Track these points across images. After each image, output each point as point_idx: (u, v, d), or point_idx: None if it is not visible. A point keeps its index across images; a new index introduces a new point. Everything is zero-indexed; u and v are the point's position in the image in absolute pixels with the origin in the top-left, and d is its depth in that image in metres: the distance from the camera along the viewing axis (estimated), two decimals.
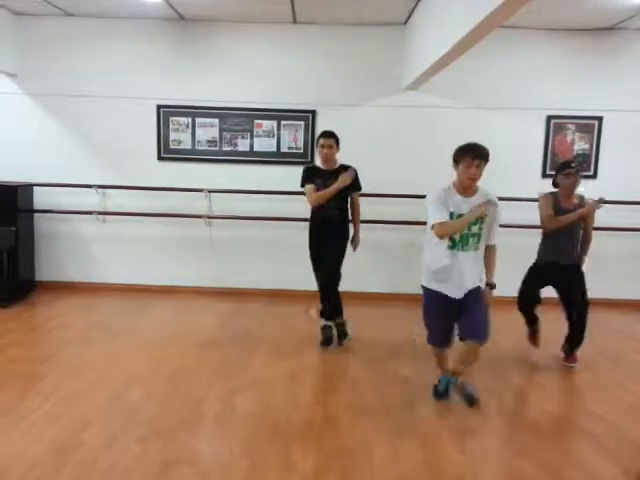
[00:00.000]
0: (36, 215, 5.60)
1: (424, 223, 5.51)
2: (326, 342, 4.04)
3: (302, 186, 4.02)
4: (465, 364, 3.07)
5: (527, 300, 3.87)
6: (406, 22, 5.34)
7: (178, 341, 4.11)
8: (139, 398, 3.07)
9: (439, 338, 3.10)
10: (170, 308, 5.14)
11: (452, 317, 3.01)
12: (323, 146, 3.94)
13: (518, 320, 3.95)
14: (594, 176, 5.56)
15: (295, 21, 5.42)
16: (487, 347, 4.05)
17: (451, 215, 2.87)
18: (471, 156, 2.80)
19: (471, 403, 3.04)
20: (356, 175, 4.04)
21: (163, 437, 2.63)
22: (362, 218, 5.48)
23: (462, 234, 2.89)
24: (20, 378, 3.33)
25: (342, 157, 5.56)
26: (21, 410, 2.88)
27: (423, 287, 3.08)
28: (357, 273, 5.68)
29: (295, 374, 3.57)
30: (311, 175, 4.01)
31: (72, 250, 5.75)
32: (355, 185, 4.05)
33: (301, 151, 5.61)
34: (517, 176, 5.54)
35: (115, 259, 5.77)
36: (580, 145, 5.54)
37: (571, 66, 5.46)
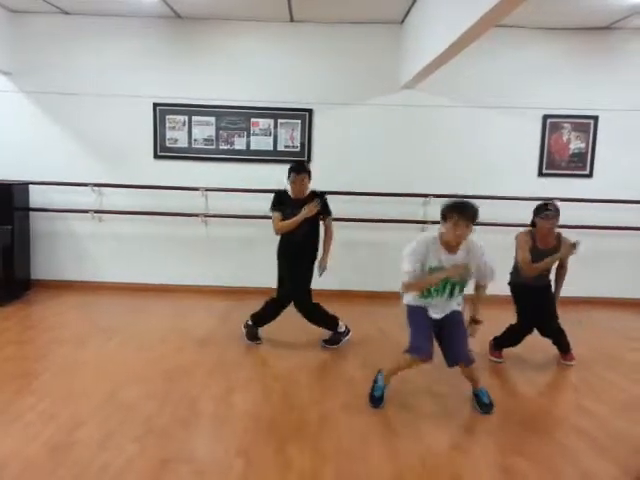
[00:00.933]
0: (32, 214, 5.58)
1: (421, 222, 5.57)
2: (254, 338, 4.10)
3: (270, 210, 3.98)
4: (474, 381, 3.07)
5: (528, 327, 3.83)
6: (403, 21, 5.34)
7: (174, 340, 4.11)
8: (135, 397, 3.06)
9: (424, 341, 2.94)
10: (166, 307, 5.13)
11: (432, 327, 3.01)
12: (295, 182, 3.88)
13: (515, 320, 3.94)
14: (590, 175, 5.58)
15: (292, 19, 5.41)
16: (484, 346, 4.08)
17: (434, 271, 2.86)
18: (460, 217, 2.75)
19: (487, 411, 3.00)
20: (325, 202, 4.01)
21: (159, 436, 2.63)
22: (359, 217, 5.52)
23: (442, 286, 2.92)
24: (15, 377, 3.32)
25: (339, 156, 5.59)
26: (16, 409, 2.87)
27: (406, 305, 3.09)
28: (357, 272, 5.71)
29: (292, 373, 3.57)
30: (281, 202, 3.97)
31: (68, 249, 5.73)
32: (325, 211, 4.02)
33: (298, 150, 5.61)
34: (513, 175, 5.55)
35: (111, 258, 5.75)
36: (576, 144, 5.55)
37: (567, 65, 5.47)
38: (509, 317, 3.86)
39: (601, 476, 2.40)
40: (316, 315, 4.08)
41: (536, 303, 3.76)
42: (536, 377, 3.63)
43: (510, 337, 3.87)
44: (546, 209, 3.63)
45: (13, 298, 5.12)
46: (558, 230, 3.71)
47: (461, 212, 2.75)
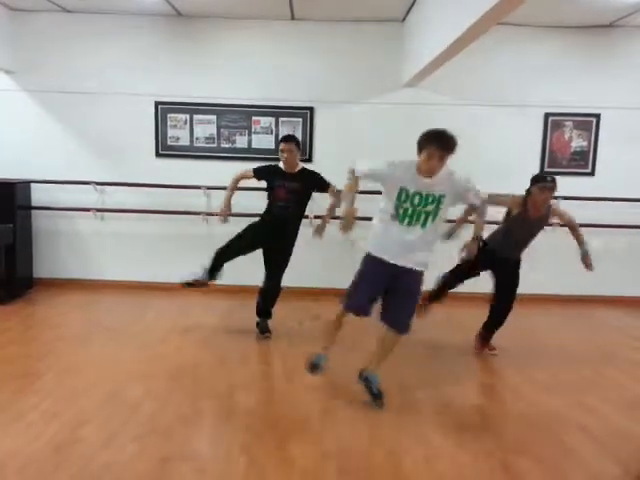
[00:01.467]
0: (34, 212, 5.59)
1: None
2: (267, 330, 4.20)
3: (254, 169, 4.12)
4: (379, 358, 3.02)
5: (460, 274, 3.89)
6: (404, 19, 5.33)
7: (177, 338, 4.11)
8: (137, 395, 3.07)
9: (358, 301, 2.95)
10: (169, 305, 5.14)
11: (381, 287, 2.92)
12: (283, 150, 3.97)
13: (518, 315, 3.93)
14: (592, 173, 5.57)
15: (293, 17, 5.40)
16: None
17: (405, 191, 2.81)
18: (435, 147, 2.67)
19: (378, 401, 2.96)
20: (320, 178, 4.11)
21: (161, 434, 2.63)
22: (361, 215, 5.51)
23: (414, 210, 2.80)
24: (18, 376, 3.33)
25: (340, 154, 5.57)
26: (19, 408, 2.88)
27: (366, 254, 3.00)
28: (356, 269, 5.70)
29: (294, 370, 3.57)
30: (269, 173, 4.10)
31: (70, 247, 5.74)
32: (320, 186, 4.09)
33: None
34: (515, 173, 5.52)
35: (113, 256, 5.76)
36: (578, 142, 5.54)
37: (569, 63, 5.46)
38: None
39: (604, 475, 2.40)
40: (277, 295, 4.20)
41: (500, 274, 3.80)
42: (538, 375, 3.63)
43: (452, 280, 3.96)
44: (545, 180, 3.62)
45: (15, 297, 5.13)
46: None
47: (436, 143, 2.67)
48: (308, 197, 4.13)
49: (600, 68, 5.45)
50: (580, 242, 3.79)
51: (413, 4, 4.89)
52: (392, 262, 2.86)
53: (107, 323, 4.49)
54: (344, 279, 5.75)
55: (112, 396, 3.06)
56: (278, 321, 4.35)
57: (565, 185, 5.51)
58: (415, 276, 2.90)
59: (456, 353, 3.91)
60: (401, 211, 2.83)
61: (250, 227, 4.15)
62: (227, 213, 4.19)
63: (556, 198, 3.71)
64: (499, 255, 3.76)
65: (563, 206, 3.81)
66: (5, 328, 4.26)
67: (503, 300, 3.81)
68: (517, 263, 3.83)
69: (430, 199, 2.79)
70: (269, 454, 2.49)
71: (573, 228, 3.79)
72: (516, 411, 3.12)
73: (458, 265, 3.85)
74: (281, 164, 4.09)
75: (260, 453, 2.50)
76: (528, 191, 3.71)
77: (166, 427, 2.71)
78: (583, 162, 5.56)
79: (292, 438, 2.63)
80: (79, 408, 2.89)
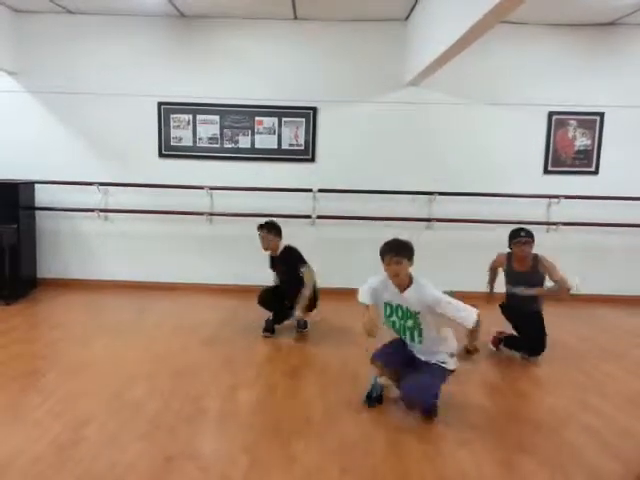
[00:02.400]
0: (38, 213, 5.61)
1: (426, 219, 5.57)
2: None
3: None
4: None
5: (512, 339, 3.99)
6: (407, 18, 5.32)
7: (181, 338, 4.12)
8: (141, 395, 3.08)
9: (385, 353, 3.07)
10: (172, 305, 5.15)
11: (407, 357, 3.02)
12: (259, 236, 4.19)
13: None
14: (596, 172, 5.55)
15: (296, 17, 5.41)
16: (487, 344, 4.07)
17: (389, 305, 2.95)
18: (389, 255, 2.82)
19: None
20: (295, 256, 4.19)
21: (165, 433, 2.64)
22: (365, 215, 5.52)
23: (400, 324, 2.94)
24: (22, 375, 3.34)
25: (344, 154, 5.58)
26: (23, 407, 2.89)
27: None
28: (362, 270, 5.69)
29: (297, 370, 3.58)
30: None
31: (74, 247, 5.76)
32: (295, 266, 4.15)
33: (302, 148, 5.61)
34: (519, 172, 5.53)
35: (117, 256, 5.78)
36: (582, 141, 5.53)
37: (573, 62, 5.44)
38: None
39: (606, 473, 2.40)
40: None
41: (523, 324, 3.90)
42: (540, 373, 3.63)
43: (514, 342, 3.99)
44: (519, 235, 3.78)
45: (19, 296, 5.15)
46: (535, 253, 3.82)
47: (389, 251, 2.83)
48: (297, 271, 4.15)
49: (604, 66, 5.44)
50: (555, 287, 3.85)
51: (416, 3, 4.89)
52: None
53: (111, 323, 4.50)
54: (346, 278, 5.77)
55: (116, 395, 3.07)
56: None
57: (569, 184, 5.55)
58: (433, 365, 2.92)
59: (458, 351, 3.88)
60: (391, 325, 3.01)
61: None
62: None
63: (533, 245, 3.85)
64: (516, 305, 3.90)
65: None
66: (9, 328, 4.28)
67: (533, 343, 3.85)
68: (533, 314, 3.87)
69: (408, 314, 2.88)
70: (272, 453, 2.49)
71: (556, 280, 3.80)
72: (519, 409, 3.11)
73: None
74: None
75: (263, 452, 2.50)
76: (509, 248, 3.89)
77: (170, 426, 2.71)
78: (587, 161, 5.54)
79: (295, 437, 2.64)
80: (83, 407, 2.90)
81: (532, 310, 3.85)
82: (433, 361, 2.91)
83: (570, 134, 5.52)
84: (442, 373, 2.89)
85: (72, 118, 5.60)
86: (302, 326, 4.34)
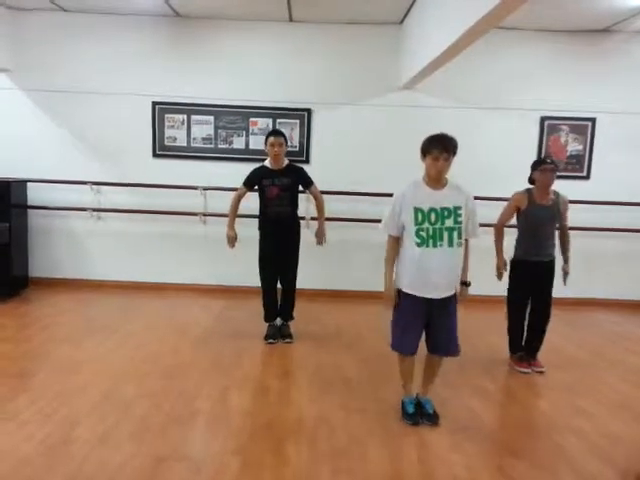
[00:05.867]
0: (30, 211, 5.58)
1: None
2: (273, 336, 4.18)
3: (242, 183, 4.15)
4: (431, 381, 2.99)
5: (520, 306, 3.79)
6: (402, 22, 5.34)
7: (172, 338, 4.11)
8: (132, 395, 3.06)
9: (411, 343, 2.84)
10: (164, 305, 5.13)
11: (423, 322, 2.85)
12: (273, 145, 3.97)
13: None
14: (587, 177, 5.59)
15: (291, 19, 5.41)
16: (480, 348, 4.09)
17: (420, 210, 2.74)
18: (439, 149, 2.69)
19: (434, 421, 2.88)
20: (304, 174, 4.17)
21: (155, 434, 2.63)
22: (360, 217, 5.53)
23: (434, 229, 2.74)
24: (12, 375, 3.32)
25: (338, 156, 5.59)
26: (13, 407, 2.87)
27: (399, 290, 2.88)
28: (356, 271, 5.71)
29: (289, 372, 3.58)
30: (256, 176, 4.10)
31: (66, 247, 5.73)
32: (306, 182, 4.16)
33: (297, 149, 5.61)
34: (511, 176, 5.53)
35: (110, 256, 5.75)
36: (574, 146, 5.57)
37: (565, 67, 5.49)
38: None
39: (596, 477, 2.41)
40: (293, 294, 4.26)
41: (534, 279, 3.68)
42: (533, 379, 3.64)
43: (513, 335, 3.84)
44: (544, 162, 3.63)
45: (10, 295, 5.11)
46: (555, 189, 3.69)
47: (441, 144, 2.70)
48: (297, 192, 4.17)
49: (596, 72, 5.48)
50: (566, 249, 3.79)
51: (411, 7, 4.91)
52: (425, 297, 2.78)
53: (102, 323, 4.48)
54: (339, 280, 5.78)
55: (106, 396, 3.05)
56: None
57: (561, 189, 5.55)
58: (449, 300, 2.84)
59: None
60: (423, 234, 2.75)
61: (260, 243, 4.20)
62: (234, 239, 4.19)
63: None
64: (530, 260, 3.68)
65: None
66: (0, 327, 4.25)
67: (540, 309, 3.73)
68: (551, 266, 3.71)
69: (446, 213, 2.74)
70: (263, 455, 2.49)
71: (564, 234, 3.78)
72: (511, 414, 3.13)
73: (509, 306, 3.83)
74: (267, 162, 4.10)
75: (254, 454, 2.50)
76: (530, 179, 3.73)
77: (160, 427, 2.70)
78: (579, 166, 5.58)
79: (286, 439, 2.64)
80: (73, 408, 2.89)
81: (548, 259, 3.68)
82: (452, 288, 2.82)
83: (562, 139, 5.56)
84: (455, 312, 2.86)
85: (66, 117, 5.57)
86: (287, 336, 4.19)
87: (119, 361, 3.61)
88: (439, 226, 2.74)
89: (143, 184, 5.54)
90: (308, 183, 4.18)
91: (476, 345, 4.16)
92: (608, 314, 5.38)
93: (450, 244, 2.75)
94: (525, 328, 3.81)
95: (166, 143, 5.61)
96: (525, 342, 3.82)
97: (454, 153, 2.74)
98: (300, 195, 4.25)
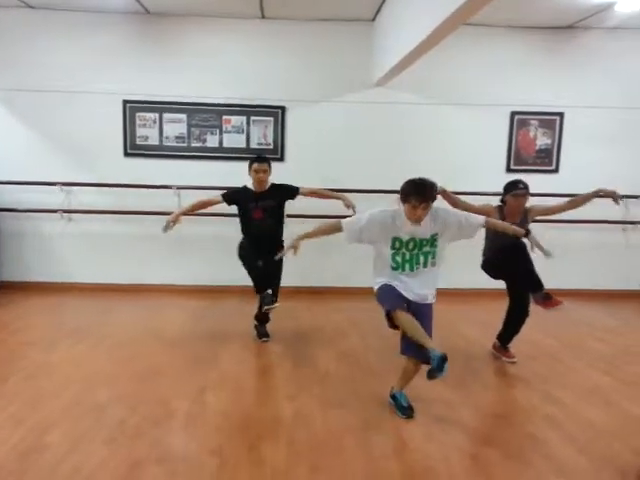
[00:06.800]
0: None
1: None
2: (266, 336, 4.14)
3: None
4: (408, 382, 2.98)
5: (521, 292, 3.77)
6: (374, 19, 5.37)
7: (147, 340, 4.06)
8: (106, 399, 3.02)
9: (398, 300, 2.83)
10: (139, 307, 5.07)
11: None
12: (257, 171, 3.96)
13: (485, 310, 4.01)
14: (556, 170, 5.72)
15: (263, 16, 5.39)
16: (455, 340, 4.15)
17: (398, 239, 2.81)
18: (417, 199, 2.69)
19: (409, 414, 2.89)
20: (287, 186, 4.14)
21: (131, 437, 2.60)
22: (335, 214, 5.45)
23: (411, 254, 2.83)
24: None
25: (312, 153, 5.59)
26: None
27: (377, 288, 2.95)
28: (331, 269, 5.73)
29: (266, 370, 3.58)
30: (240, 197, 4.03)
31: (37, 249, 5.61)
32: (292, 194, 4.14)
33: (271, 147, 5.60)
34: (483, 170, 5.64)
35: (81, 258, 5.65)
36: (542, 140, 5.69)
37: (534, 63, 5.59)
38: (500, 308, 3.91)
39: (568, 463, 2.47)
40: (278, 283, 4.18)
41: (509, 262, 3.66)
42: (506, 368, 3.71)
43: (509, 321, 3.83)
44: (517, 187, 3.64)
45: None
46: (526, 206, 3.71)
47: (417, 194, 2.69)
48: (282, 209, 4.15)
49: (563, 68, 5.61)
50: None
51: (382, 4, 4.93)
52: (404, 295, 2.87)
53: (74, 326, 4.40)
54: (317, 277, 5.80)
55: (80, 400, 3.00)
56: (249, 321, 4.33)
57: (530, 182, 5.62)
58: (427, 307, 2.90)
59: None
60: (399, 258, 2.85)
61: (244, 253, 4.07)
62: (172, 225, 4.00)
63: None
64: (500, 257, 3.69)
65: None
66: None
67: (517, 297, 3.76)
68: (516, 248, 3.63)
69: (425, 242, 2.83)
70: (241, 454, 2.48)
71: (553, 210, 3.86)
72: (485, 404, 3.19)
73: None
74: (250, 185, 4.07)
75: (231, 454, 2.49)
76: (502, 200, 3.74)
77: (136, 430, 2.67)
78: (547, 160, 5.70)
79: (264, 438, 2.63)
80: (45, 413, 2.83)
81: (514, 241, 3.58)
82: (429, 299, 2.90)
83: (531, 134, 5.67)
84: (432, 317, 2.91)
85: (34, 116, 5.45)
86: (269, 302, 3.93)
87: (93, 364, 3.55)
88: (416, 252, 2.83)
89: (115, 184, 5.46)
90: (295, 192, 4.14)
91: (450, 337, 4.21)
92: (579, 304, 5.50)
93: (425, 266, 2.87)
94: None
95: (138, 142, 5.53)
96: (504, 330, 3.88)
97: (433, 199, 2.76)
98: None
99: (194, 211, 4.11)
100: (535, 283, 3.64)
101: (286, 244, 3.56)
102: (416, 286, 2.87)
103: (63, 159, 5.52)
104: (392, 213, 2.84)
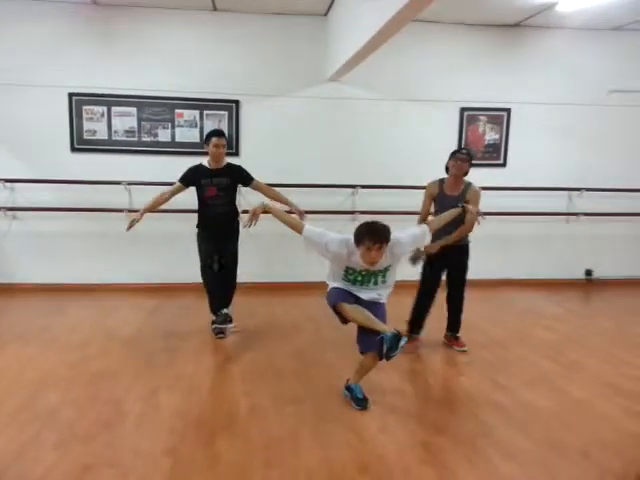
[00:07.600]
0: None
1: (350, 212, 5.67)
2: (222, 332, 4.10)
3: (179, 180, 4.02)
4: (362, 377, 3.03)
5: (429, 286, 3.92)
6: (326, 14, 5.37)
7: (98, 341, 3.96)
8: (55, 402, 2.93)
9: (344, 296, 2.94)
10: (90, 307, 4.93)
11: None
12: (218, 145, 3.93)
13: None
14: (504, 164, 5.91)
15: (215, 8, 5.30)
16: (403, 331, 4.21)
17: (352, 269, 2.93)
18: (371, 242, 2.73)
19: (364, 405, 2.94)
20: (242, 171, 4.12)
21: (81, 441, 2.54)
22: (287, 209, 5.52)
23: (362, 277, 2.95)
24: None
25: (267, 148, 5.56)
26: None
27: (328, 290, 3.07)
28: (285, 264, 5.72)
29: (220, 367, 3.56)
30: (194, 175, 4.00)
31: None
32: (244, 180, 4.12)
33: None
34: (435, 165, 5.71)
35: (28, 258, 5.43)
36: (491, 135, 5.86)
37: (482, 60, 5.75)
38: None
39: (514, 447, 2.58)
40: (233, 288, 4.20)
41: (446, 263, 3.82)
42: (456, 357, 3.83)
43: (416, 310, 3.98)
44: (459, 151, 3.78)
45: None
46: (469, 180, 3.79)
47: (370, 238, 2.73)
48: (235, 191, 4.13)
49: (510, 65, 5.80)
50: (455, 234, 3.73)
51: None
52: (356, 294, 3.01)
53: (22, 328, 4.23)
54: (274, 273, 5.79)
55: (27, 404, 2.90)
56: (204, 319, 4.29)
57: (479, 176, 5.80)
58: (379, 304, 3.02)
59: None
60: (351, 278, 3.00)
61: (200, 245, 4.06)
62: (135, 223, 3.96)
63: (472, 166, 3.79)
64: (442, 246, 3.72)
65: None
66: None
67: (454, 290, 3.92)
68: (463, 250, 3.84)
69: (378, 272, 2.96)
70: (194, 452, 2.47)
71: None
72: (437, 393, 3.29)
73: (421, 285, 3.96)
74: (205, 161, 4.02)
75: (185, 452, 2.47)
76: (446, 168, 3.81)
77: (87, 433, 2.61)
78: (496, 154, 5.89)
79: (218, 435, 2.62)
80: None
81: (465, 242, 3.81)
82: (382, 300, 3.03)
83: (480, 129, 5.84)
84: (384, 310, 3.02)
85: None
86: (222, 321, 3.99)
87: (41, 367, 3.44)
88: (367, 277, 2.97)
89: (61, 180, 5.26)
90: (248, 180, 4.11)
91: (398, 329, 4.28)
92: (524, 293, 5.73)
93: (376, 284, 3.01)
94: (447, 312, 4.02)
95: (85, 137, 5.35)
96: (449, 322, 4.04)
97: (387, 241, 2.79)
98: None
99: (157, 206, 4.04)
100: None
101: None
102: (368, 294, 3.02)
103: (6, 154, 5.28)
104: (349, 248, 2.86)
